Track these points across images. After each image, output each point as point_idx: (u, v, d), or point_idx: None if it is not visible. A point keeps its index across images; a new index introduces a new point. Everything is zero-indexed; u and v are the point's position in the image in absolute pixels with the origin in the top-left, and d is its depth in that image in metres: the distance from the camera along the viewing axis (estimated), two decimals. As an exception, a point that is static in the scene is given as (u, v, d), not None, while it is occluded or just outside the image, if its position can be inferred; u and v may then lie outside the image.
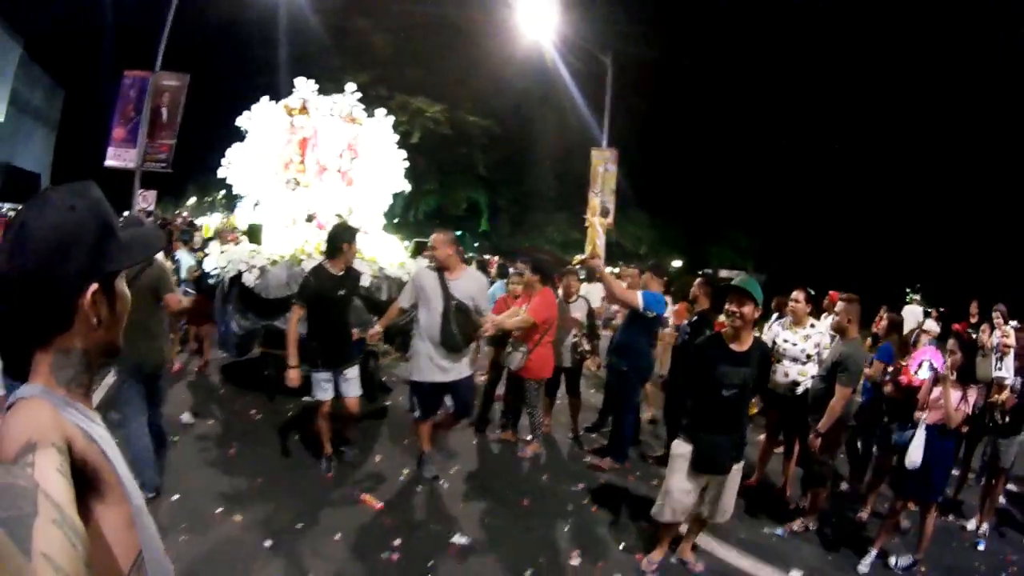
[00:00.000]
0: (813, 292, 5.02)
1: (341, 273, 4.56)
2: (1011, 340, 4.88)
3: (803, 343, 4.71)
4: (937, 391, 3.85)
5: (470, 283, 4.56)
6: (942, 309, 14.04)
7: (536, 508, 4.47)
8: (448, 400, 4.72)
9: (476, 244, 28.10)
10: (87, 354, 0.95)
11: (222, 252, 6.19)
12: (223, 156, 6.85)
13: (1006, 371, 4.69)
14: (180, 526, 3.57)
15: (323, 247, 5.67)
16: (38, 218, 0.88)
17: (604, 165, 18.74)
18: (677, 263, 29.39)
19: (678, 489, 3.49)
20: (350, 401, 4.70)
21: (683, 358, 4.89)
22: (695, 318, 5.08)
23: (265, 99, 6.99)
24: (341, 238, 4.54)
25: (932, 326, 11.67)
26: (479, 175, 25.34)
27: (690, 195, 24.77)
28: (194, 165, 18.83)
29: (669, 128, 23.68)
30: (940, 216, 21.18)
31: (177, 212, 33.68)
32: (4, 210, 15.49)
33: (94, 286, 0.91)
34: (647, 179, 23.54)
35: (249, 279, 5.65)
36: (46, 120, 31.13)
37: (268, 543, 3.54)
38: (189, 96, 16.58)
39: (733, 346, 3.37)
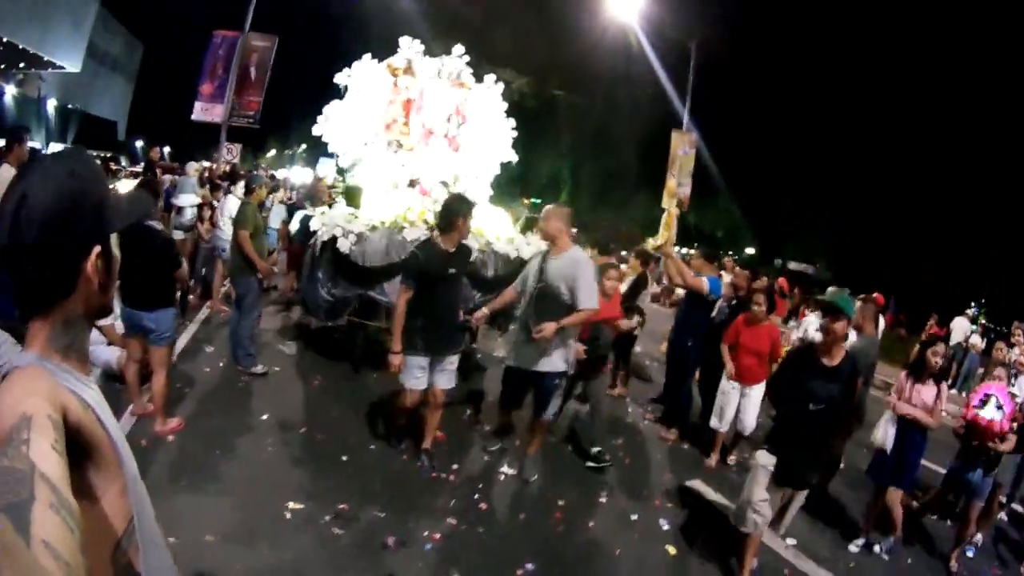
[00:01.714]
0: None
1: (453, 250, 3.98)
2: None
3: None
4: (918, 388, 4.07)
5: (565, 265, 3.95)
6: (1007, 330, 13.52)
7: (578, 454, 4.94)
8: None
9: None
10: (84, 319, 0.95)
11: (321, 213, 5.93)
12: (305, 111, 6.67)
13: (1018, 389, 4.76)
14: (268, 439, 4.26)
15: (427, 216, 5.63)
16: (39, 188, 0.86)
17: (683, 148, 18.75)
18: (750, 250, 29.07)
19: (759, 499, 3.44)
20: (438, 392, 4.15)
21: (720, 336, 5.30)
22: (734, 301, 5.53)
23: (367, 57, 6.52)
24: (456, 211, 3.93)
25: (977, 340, 11.41)
26: (562, 148, 25.47)
27: (771, 188, 24.36)
28: (275, 119, 19.37)
29: (757, 120, 23.25)
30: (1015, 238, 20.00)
31: (257, 163, 34.70)
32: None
33: (96, 249, 0.91)
34: (731, 166, 23.28)
35: (345, 244, 5.25)
36: (124, 71, 32.20)
37: (344, 457, 4.16)
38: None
39: (824, 360, 3.38)
